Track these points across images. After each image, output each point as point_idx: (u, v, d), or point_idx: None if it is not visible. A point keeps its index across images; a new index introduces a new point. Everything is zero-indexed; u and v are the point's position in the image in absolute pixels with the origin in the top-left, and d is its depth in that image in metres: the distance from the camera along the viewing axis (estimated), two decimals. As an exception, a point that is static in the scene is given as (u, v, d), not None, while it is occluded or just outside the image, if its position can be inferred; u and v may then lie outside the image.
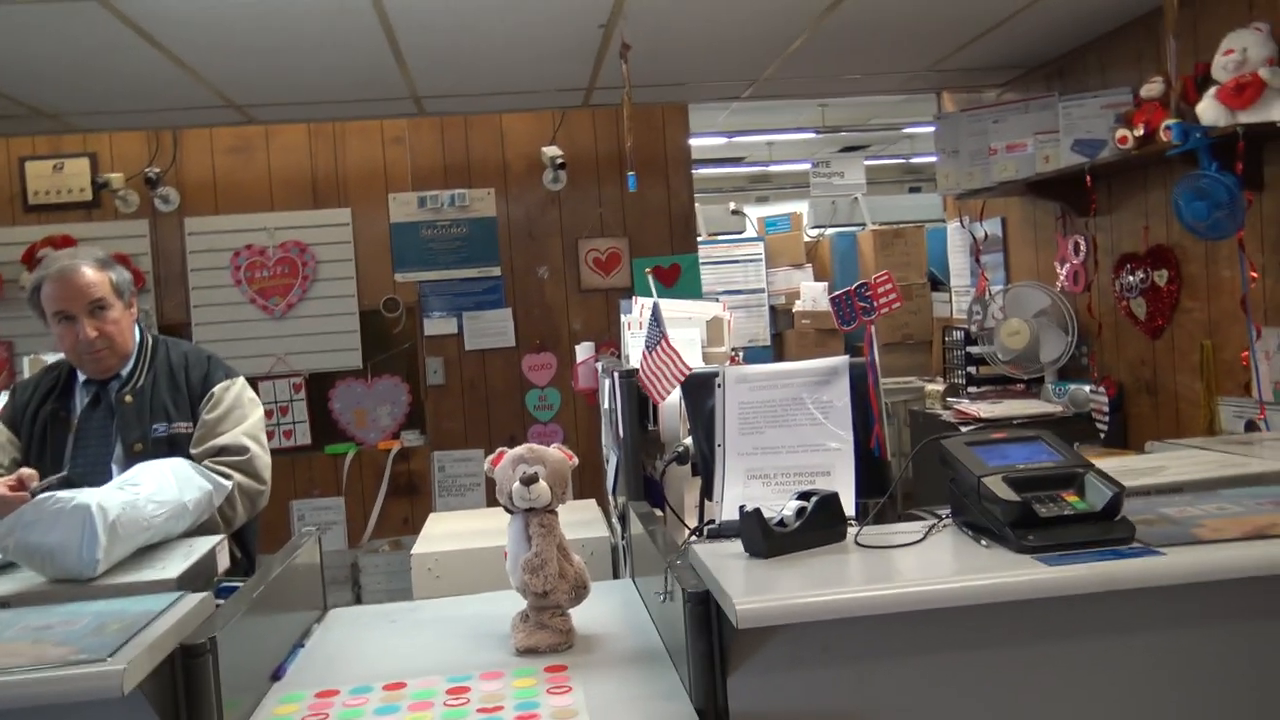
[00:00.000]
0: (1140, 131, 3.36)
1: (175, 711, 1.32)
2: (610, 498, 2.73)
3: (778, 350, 7.04)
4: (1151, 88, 3.38)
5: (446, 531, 2.88)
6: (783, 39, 3.84)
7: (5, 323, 4.72)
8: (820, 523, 1.58)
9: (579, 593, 1.71)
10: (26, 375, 2.82)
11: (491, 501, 4.64)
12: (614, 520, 2.66)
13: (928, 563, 1.51)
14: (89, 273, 2.33)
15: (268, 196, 4.92)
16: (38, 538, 1.62)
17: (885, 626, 1.40)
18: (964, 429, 3.88)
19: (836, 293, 1.97)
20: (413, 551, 2.63)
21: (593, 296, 5.07)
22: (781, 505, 1.60)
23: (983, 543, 1.53)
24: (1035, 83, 4.48)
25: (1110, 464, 1.79)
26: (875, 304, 1.91)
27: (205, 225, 4.87)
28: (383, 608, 2.04)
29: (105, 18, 3.06)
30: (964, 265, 5.30)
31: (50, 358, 2.64)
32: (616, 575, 2.46)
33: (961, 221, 5.12)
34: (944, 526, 1.63)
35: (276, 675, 1.62)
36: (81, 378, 2.42)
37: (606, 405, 2.76)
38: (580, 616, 1.73)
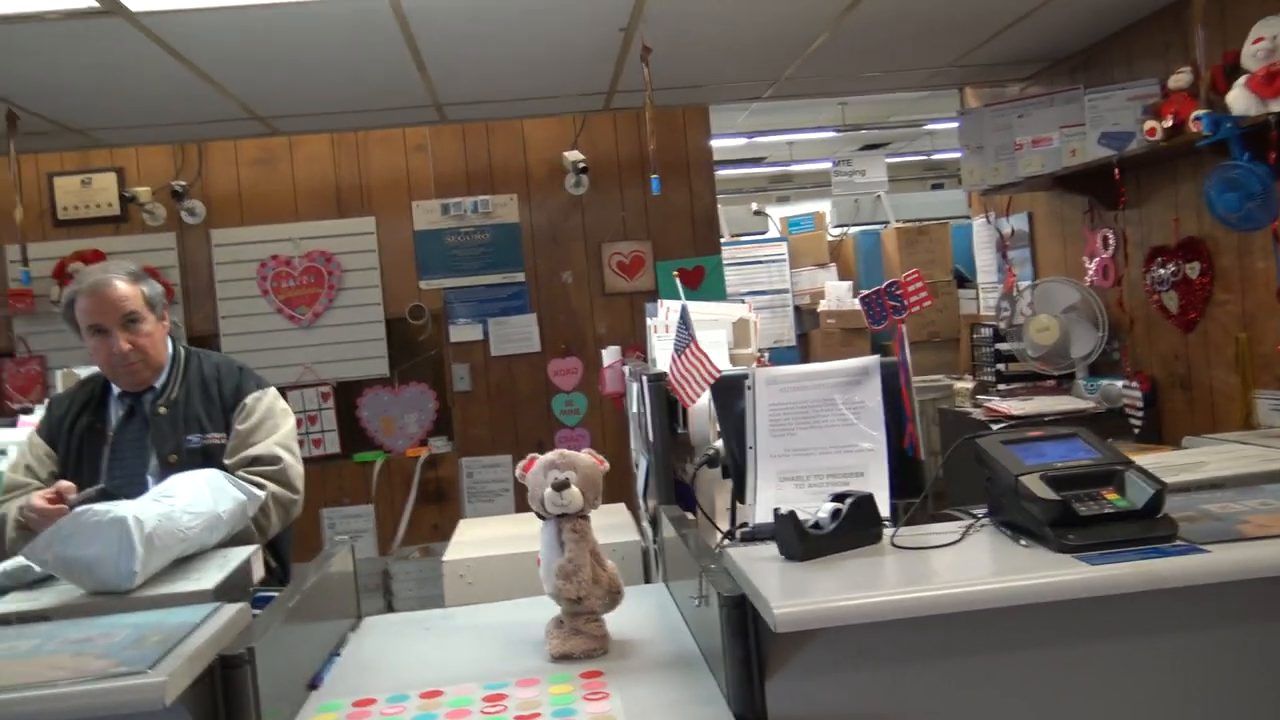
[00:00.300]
0: (1169, 123, 3.32)
1: (215, 722, 1.33)
2: (640, 502, 2.72)
3: (803, 351, 7.00)
4: (1179, 78, 3.34)
5: (477, 538, 2.89)
6: (803, 39, 3.82)
7: (38, 337, 4.78)
8: (856, 524, 1.57)
9: (613, 598, 1.70)
10: (60, 389, 2.85)
11: (520, 507, 4.65)
12: (644, 524, 2.65)
13: (967, 563, 1.49)
14: (121, 286, 2.35)
15: (292, 207, 4.96)
16: (76, 550, 1.63)
17: (925, 628, 1.38)
18: (995, 427, 3.85)
19: (867, 291, 1.96)
20: (444, 558, 2.63)
21: (617, 300, 5.06)
22: (815, 507, 1.59)
23: (1022, 542, 1.51)
24: (1060, 76, 4.44)
25: (1147, 460, 1.76)
26: (906, 302, 1.89)
27: (231, 237, 4.91)
28: (416, 615, 2.04)
29: (131, 33, 3.09)
30: (991, 261, 5.26)
31: (83, 371, 2.66)
32: (647, 580, 2.46)
33: (987, 217, 5.08)
34: (981, 526, 1.62)
35: (314, 684, 1.63)
36: (116, 390, 2.44)
37: (635, 409, 2.75)
38: (614, 622, 1.72)
